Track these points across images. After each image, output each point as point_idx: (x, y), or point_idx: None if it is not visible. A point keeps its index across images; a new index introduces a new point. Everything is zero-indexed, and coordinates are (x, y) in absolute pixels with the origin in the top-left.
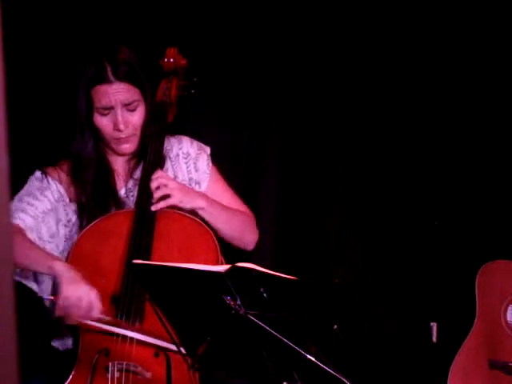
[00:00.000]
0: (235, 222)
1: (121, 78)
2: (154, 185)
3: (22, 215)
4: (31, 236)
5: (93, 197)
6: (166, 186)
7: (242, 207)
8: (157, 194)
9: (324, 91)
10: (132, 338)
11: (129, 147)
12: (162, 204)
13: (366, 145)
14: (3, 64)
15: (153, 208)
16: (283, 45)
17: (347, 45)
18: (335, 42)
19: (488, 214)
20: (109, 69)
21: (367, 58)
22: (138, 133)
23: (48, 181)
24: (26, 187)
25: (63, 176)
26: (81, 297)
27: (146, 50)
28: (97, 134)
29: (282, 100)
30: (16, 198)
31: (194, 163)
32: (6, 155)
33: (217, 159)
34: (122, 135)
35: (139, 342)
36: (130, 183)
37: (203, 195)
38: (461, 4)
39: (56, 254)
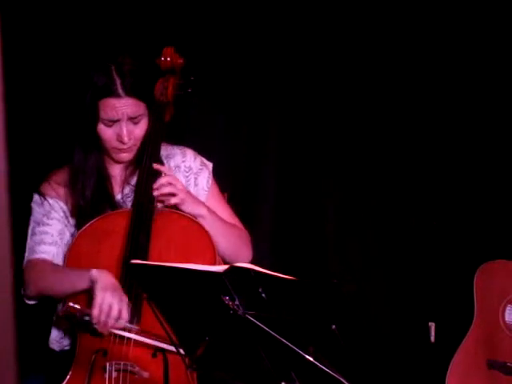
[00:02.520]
0: (233, 236)
1: (129, 93)
2: (163, 180)
3: (43, 248)
4: (58, 261)
5: (90, 203)
6: (173, 184)
7: (240, 225)
8: (164, 190)
9: (323, 94)
10: (130, 338)
11: (127, 156)
12: (164, 191)
13: (364, 145)
14: (2, 70)
15: (155, 193)
16: (281, 43)
17: (345, 45)
18: (334, 42)
19: (486, 214)
20: (118, 82)
21: (366, 58)
22: (139, 143)
23: (49, 202)
24: (33, 218)
25: (60, 190)
26: (112, 304)
27: (143, 50)
28: (97, 142)
29: (281, 102)
30: (29, 234)
31: (195, 178)
32: (4, 158)
33: (215, 161)
34: (125, 146)
35: (137, 342)
36: (127, 189)
37: (206, 205)
38: (461, 4)
39: None
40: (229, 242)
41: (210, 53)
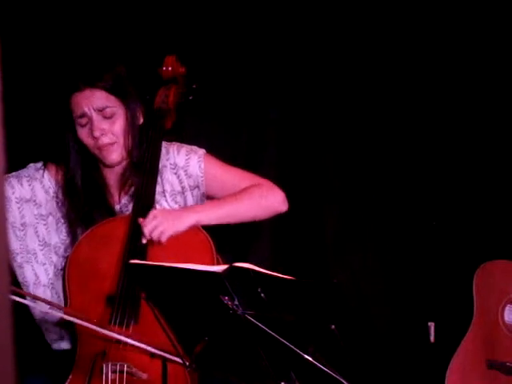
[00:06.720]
0: (244, 205)
1: (89, 84)
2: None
3: None
4: None
5: (88, 214)
6: (151, 230)
7: (251, 180)
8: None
9: (323, 94)
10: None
11: (113, 156)
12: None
13: (364, 146)
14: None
15: (144, 241)
16: (280, 48)
17: (346, 45)
18: (332, 45)
19: (486, 214)
20: (78, 77)
21: (367, 60)
22: (121, 141)
23: (43, 174)
24: (21, 170)
25: (62, 177)
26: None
27: (145, 59)
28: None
29: (280, 106)
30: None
31: (185, 171)
32: (3, 159)
33: None
34: (100, 142)
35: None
36: (125, 199)
37: (192, 209)
38: (461, 4)
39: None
40: (246, 213)
41: (211, 61)
